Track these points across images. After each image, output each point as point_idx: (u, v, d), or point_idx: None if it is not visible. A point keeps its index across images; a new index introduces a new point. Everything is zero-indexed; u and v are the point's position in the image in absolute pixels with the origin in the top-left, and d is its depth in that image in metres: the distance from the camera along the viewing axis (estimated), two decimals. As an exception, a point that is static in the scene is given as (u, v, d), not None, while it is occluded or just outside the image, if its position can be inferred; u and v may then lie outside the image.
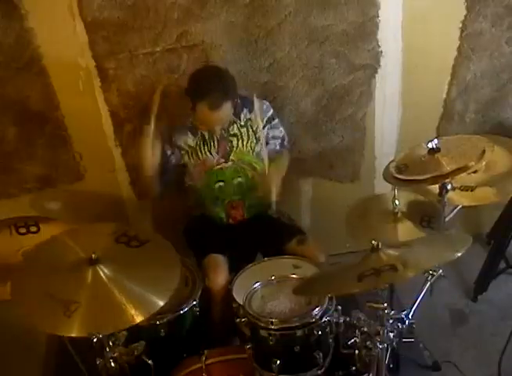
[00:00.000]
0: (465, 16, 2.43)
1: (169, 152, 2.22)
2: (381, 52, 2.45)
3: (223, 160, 2.25)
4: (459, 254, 1.50)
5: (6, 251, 1.87)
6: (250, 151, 2.27)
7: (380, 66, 2.48)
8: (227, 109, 2.04)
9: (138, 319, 1.51)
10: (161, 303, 1.58)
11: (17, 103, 2.24)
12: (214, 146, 2.22)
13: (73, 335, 1.49)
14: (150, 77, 2.29)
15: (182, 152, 2.23)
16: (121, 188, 2.55)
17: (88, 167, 2.45)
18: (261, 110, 2.23)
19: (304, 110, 2.52)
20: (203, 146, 2.22)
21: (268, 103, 2.28)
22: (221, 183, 2.28)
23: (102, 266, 1.62)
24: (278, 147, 2.35)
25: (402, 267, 1.44)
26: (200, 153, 2.23)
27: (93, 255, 1.63)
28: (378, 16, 2.36)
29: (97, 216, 2.52)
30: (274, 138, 2.32)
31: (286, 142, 2.37)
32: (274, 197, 2.12)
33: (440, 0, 2.40)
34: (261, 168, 2.24)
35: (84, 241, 1.70)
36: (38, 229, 2.03)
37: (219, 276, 2.11)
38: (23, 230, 2.00)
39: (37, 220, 2.05)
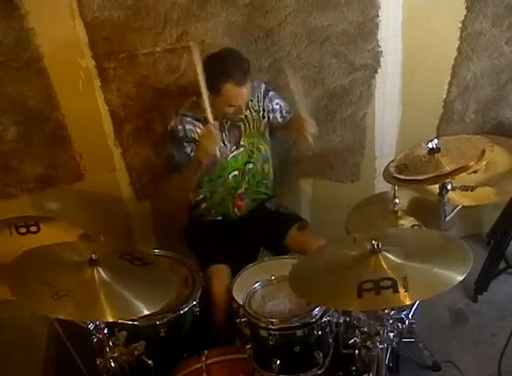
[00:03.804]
0: (465, 16, 2.43)
1: (189, 149, 2.18)
2: (381, 52, 2.45)
3: (235, 147, 2.26)
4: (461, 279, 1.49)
5: (6, 251, 1.87)
6: (257, 132, 2.30)
7: (380, 66, 2.48)
8: (249, 83, 2.07)
9: (109, 317, 1.55)
10: (145, 311, 1.60)
11: (17, 103, 2.24)
12: (227, 136, 2.23)
13: (51, 315, 1.68)
14: (150, 77, 2.30)
15: (197, 144, 2.17)
16: (121, 188, 2.55)
17: (88, 167, 2.45)
18: (254, 87, 2.24)
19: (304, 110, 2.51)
20: None
21: (258, 80, 2.29)
22: (236, 172, 2.30)
23: (99, 268, 1.64)
24: (279, 120, 2.34)
25: (402, 289, 1.43)
26: None
27: (93, 256, 1.65)
28: (378, 16, 2.36)
29: (97, 216, 2.53)
30: (274, 111, 2.32)
31: (285, 113, 2.34)
32: (311, 139, 2.14)
33: (440, 0, 2.40)
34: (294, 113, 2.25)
35: (91, 250, 1.72)
36: (38, 229, 2.02)
37: (222, 287, 2.11)
38: (23, 230, 2.00)
39: (37, 220, 2.05)
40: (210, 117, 2.02)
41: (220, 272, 2.17)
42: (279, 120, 2.34)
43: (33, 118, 2.28)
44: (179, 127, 2.17)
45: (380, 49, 2.44)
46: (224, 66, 2.03)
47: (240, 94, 2.06)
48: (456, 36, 2.48)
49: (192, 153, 2.17)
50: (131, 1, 2.14)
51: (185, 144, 2.17)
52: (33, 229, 2.02)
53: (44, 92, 2.24)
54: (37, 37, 2.13)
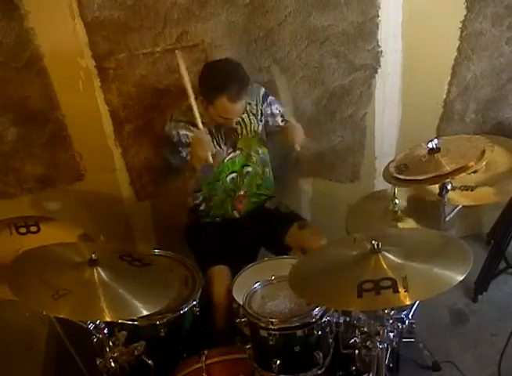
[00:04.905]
0: (465, 16, 2.43)
1: (184, 153, 2.19)
2: (381, 52, 2.45)
3: (231, 149, 2.26)
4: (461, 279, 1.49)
5: (6, 251, 1.87)
6: (255, 135, 2.29)
7: (380, 66, 2.48)
8: (245, 99, 2.06)
9: (108, 317, 1.56)
10: (144, 312, 1.60)
11: (17, 103, 2.24)
12: (222, 139, 2.23)
13: (52, 314, 1.69)
14: (150, 77, 2.29)
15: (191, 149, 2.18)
16: (121, 188, 2.55)
17: (88, 167, 2.45)
18: (253, 91, 2.23)
19: (304, 110, 2.52)
20: (212, 141, 2.18)
21: (257, 84, 2.28)
22: (234, 174, 2.30)
23: (99, 269, 1.65)
24: (280, 124, 2.31)
25: (402, 289, 1.43)
26: None
27: (93, 255, 1.65)
28: (378, 16, 2.36)
29: (97, 216, 2.53)
30: (273, 115, 2.31)
31: (286, 117, 2.31)
32: (298, 148, 2.13)
33: (440, 0, 2.40)
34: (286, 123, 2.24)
35: (91, 250, 1.72)
36: (38, 229, 2.02)
37: (223, 288, 2.11)
38: (23, 230, 2.00)
39: (37, 220, 2.05)
40: (199, 123, 2.01)
41: (220, 273, 2.16)
42: (281, 124, 2.31)
43: (33, 118, 2.28)
44: (173, 132, 2.17)
45: (380, 49, 2.44)
46: (221, 79, 2.00)
47: (233, 110, 2.05)
48: (456, 36, 2.48)
49: (187, 157, 2.16)
50: (131, 1, 2.14)
51: (180, 149, 2.18)
52: (33, 229, 2.02)
53: (44, 92, 2.24)
54: (37, 37, 2.13)
